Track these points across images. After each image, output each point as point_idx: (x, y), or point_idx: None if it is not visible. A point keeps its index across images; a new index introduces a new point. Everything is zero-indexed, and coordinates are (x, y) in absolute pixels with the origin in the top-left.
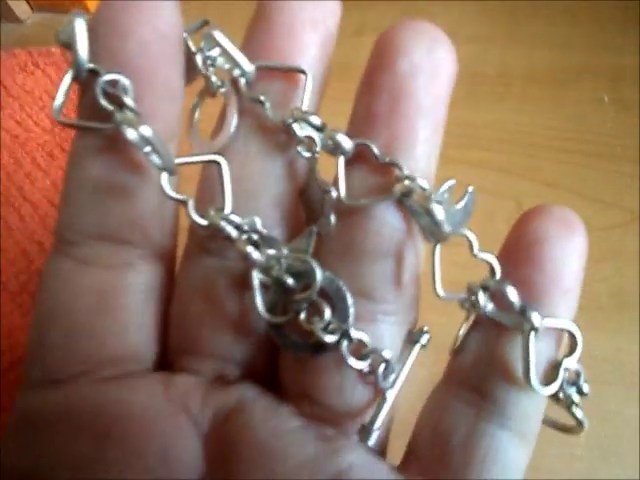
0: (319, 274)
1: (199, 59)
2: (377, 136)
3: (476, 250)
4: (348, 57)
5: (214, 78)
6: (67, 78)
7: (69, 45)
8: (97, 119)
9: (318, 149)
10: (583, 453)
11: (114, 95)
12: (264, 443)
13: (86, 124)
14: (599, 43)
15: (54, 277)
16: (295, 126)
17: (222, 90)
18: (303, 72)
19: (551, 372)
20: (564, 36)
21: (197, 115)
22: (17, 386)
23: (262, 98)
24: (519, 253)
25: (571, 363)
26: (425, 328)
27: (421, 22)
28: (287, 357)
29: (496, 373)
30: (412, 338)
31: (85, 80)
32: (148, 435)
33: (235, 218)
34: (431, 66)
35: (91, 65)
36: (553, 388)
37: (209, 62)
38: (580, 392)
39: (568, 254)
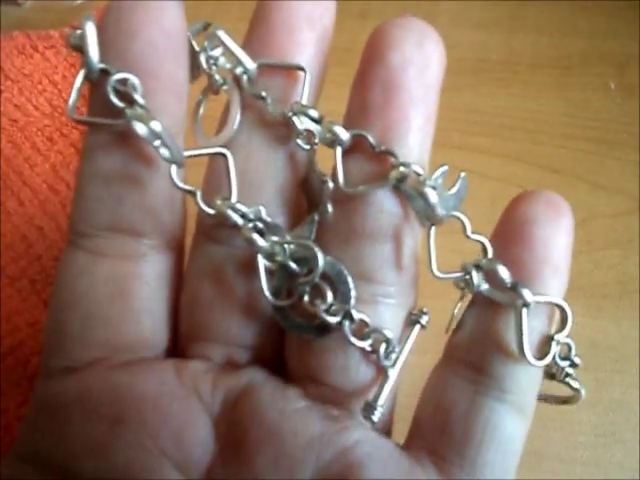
0: (321, 259)
1: (202, 58)
2: (372, 126)
3: (469, 232)
4: (351, 42)
5: (217, 76)
6: (79, 78)
7: (80, 48)
8: (108, 116)
9: (316, 141)
10: (588, 440)
11: (124, 93)
12: (272, 423)
13: (99, 120)
14: (605, 29)
15: (70, 268)
16: (295, 119)
17: (224, 87)
18: (302, 69)
19: (544, 346)
20: (570, 22)
21: (201, 111)
22: (16, 370)
23: (264, 94)
24: (509, 234)
25: (562, 337)
26: (424, 309)
27: (411, 18)
28: (293, 340)
29: (492, 349)
30: (412, 319)
31: (96, 79)
32: (162, 418)
33: (241, 207)
34: (421, 58)
35: (102, 65)
36: (546, 360)
37: (212, 61)
38: (573, 364)
39: (556, 233)
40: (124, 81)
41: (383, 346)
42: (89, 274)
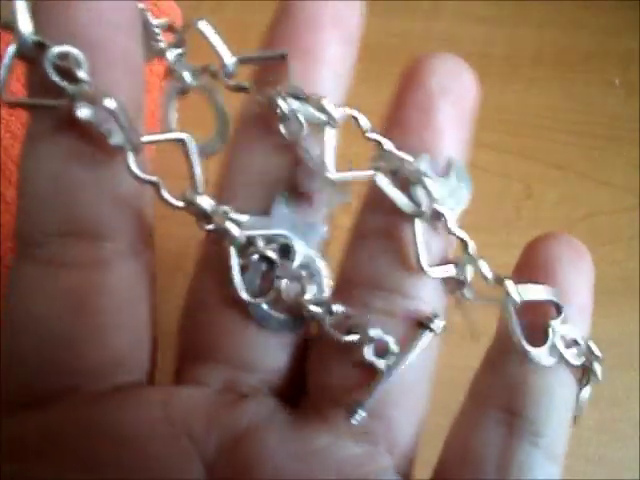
0: (300, 246)
1: (170, 55)
2: (407, 144)
3: (451, 225)
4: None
5: (187, 75)
6: (9, 53)
7: (11, 24)
8: (50, 95)
9: (303, 121)
10: (590, 436)
11: (66, 70)
12: (283, 468)
13: (36, 101)
14: (610, 25)
15: (20, 284)
16: (280, 102)
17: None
18: (283, 57)
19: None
20: (574, 18)
21: (173, 115)
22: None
23: (245, 84)
24: (533, 273)
25: (560, 326)
26: (436, 313)
27: (448, 54)
28: (316, 358)
29: (530, 393)
30: (422, 322)
31: (32, 56)
32: (145, 461)
33: (209, 199)
34: (458, 88)
35: (36, 38)
36: (543, 348)
37: (179, 58)
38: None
39: (580, 273)
40: (64, 55)
41: (372, 345)
42: (44, 289)
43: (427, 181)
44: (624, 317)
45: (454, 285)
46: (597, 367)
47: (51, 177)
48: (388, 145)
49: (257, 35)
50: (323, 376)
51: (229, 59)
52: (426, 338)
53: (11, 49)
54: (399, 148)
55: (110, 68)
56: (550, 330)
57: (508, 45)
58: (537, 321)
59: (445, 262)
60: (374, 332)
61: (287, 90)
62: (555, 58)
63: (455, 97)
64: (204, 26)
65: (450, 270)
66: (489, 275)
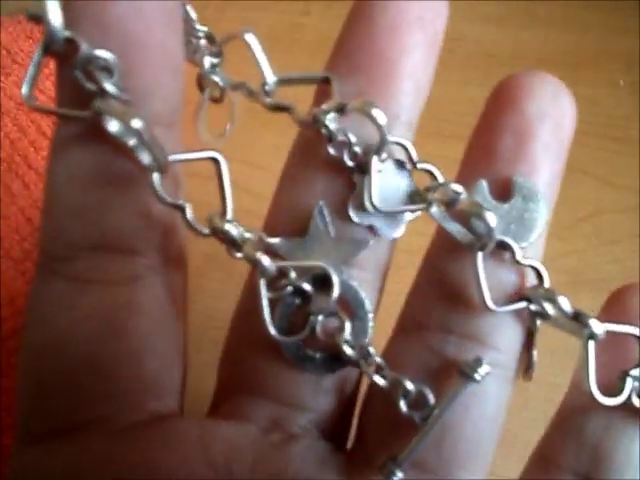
0: (336, 279)
1: (205, 62)
2: (497, 174)
3: (519, 257)
4: None
5: (220, 83)
6: (37, 53)
7: (40, 17)
8: (80, 100)
9: (355, 142)
10: None
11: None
12: None
13: (62, 111)
14: (615, 26)
15: (45, 303)
16: (326, 121)
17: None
18: (327, 80)
19: (617, 382)
20: (580, 18)
21: (202, 115)
22: (18, 354)
23: (287, 103)
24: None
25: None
26: (479, 359)
27: (544, 73)
28: (372, 410)
29: (613, 463)
30: (462, 370)
31: (62, 54)
32: None
33: (239, 226)
34: (557, 112)
35: (67, 33)
36: (619, 399)
37: (215, 68)
38: None
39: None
40: (94, 59)
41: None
42: (70, 308)
43: (484, 212)
44: None
45: (529, 318)
46: None
47: (82, 186)
48: (440, 176)
49: (263, 34)
50: (370, 423)
51: (271, 77)
52: (466, 388)
53: (39, 48)
54: (488, 178)
55: (147, 65)
56: (629, 380)
57: (514, 45)
58: (614, 367)
59: (517, 298)
60: (409, 383)
61: (332, 107)
62: (560, 58)
63: (554, 122)
64: (251, 39)
65: (522, 306)
66: (569, 310)
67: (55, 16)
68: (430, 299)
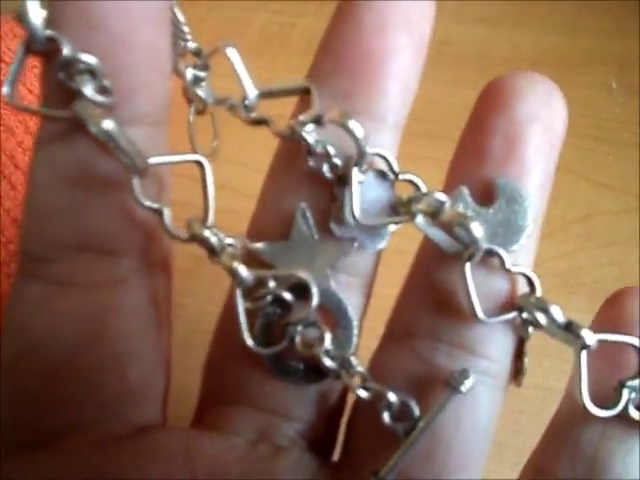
0: (315, 288)
1: (189, 75)
2: (487, 176)
3: (509, 265)
4: None
5: (203, 95)
6: (19, 52)
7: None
8: (64, 99)
9: (333, 154)
10: None
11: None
12: None
13: (43, 111)
14: (609, 28)
15: (24, 306)
16: (304, 133)
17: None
18: (307, 91)
19: (613, 393)
20: (574, 20)
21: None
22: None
23: (264, 117)
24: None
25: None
26: (466, 371)
27: (535, 73)
28: (352, 415)
29: (605, 474)
30: (448, 381)
31: (47, 53)
32: None
33: (219, 232)
34: (548, 115)
35: (48, 33)
36: (615, 410)
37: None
38: None
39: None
40: (76, 61)
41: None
42: (50, 312)
43: (469, 222)
44: None
45: (520, 326)
46: None
47: (64, 185)
48: (423, 185)
49: (255, 32)
50: (358, 433)
51: (252, 92)
52: (451, 400)
53: (20, 47)
54: (476, 180)
55: (134, 65)
56: (626, 391)
57: (507, 46)
58: (610, 378)
59: (508, 307)
60: (392, 395)
61: (309, 119)
62: (554, 60)
63: (545, 125)
64: (232, 53)
65: (514, 316)
66: (561, 319)
67: (35, 15)
68: (419, 306)
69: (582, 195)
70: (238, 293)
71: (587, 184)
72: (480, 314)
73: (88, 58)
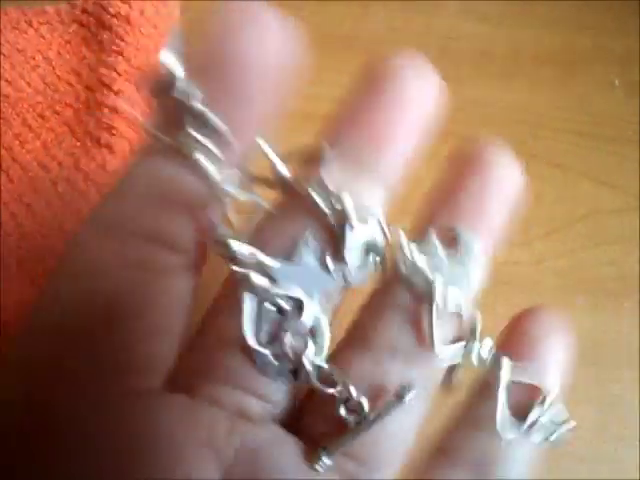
0: (311, 306)
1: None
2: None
3: (458, 307)
4: (354, 29)
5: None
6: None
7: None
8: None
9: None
10: (588, 436)
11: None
12: None
13: (152, 131)
14: (611, 26)
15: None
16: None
17: None
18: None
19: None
20: (575, 18)
21: None
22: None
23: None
24: (519, 349)
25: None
26: (410, 385)
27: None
28: (308, 406)
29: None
30: (397, 391)
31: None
32: (173, 462)
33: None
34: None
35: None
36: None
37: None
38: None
39: (560, 353)
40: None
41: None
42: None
43: (426, 272)
44: (621, 317)
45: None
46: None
47: (151, 179)
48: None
49: None
50: (311, 421)
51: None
52: (395, 409)
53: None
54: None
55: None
56: (533, 413)
57: (509, 44)
58: (523, 399)
59: (457, 339)
60: (354, 392)
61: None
62: (555, 58)
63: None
64: (263, 144)
65: (459, 350)
66: (488, 357)
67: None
68: (381, 318)
69: (582, 193)
70: (247, 298)
71: (587, 182)
72: (438, 347)
73: (218, 123)
